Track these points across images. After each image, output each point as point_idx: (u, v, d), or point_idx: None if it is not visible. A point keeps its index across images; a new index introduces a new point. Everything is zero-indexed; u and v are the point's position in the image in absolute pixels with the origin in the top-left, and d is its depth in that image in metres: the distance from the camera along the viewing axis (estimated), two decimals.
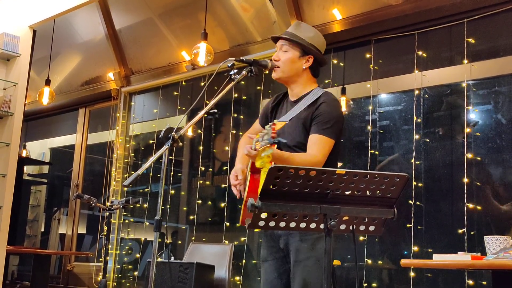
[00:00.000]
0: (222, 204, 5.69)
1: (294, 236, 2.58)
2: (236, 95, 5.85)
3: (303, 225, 1.97)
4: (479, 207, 4.13)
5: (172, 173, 6.34)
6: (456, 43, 4.47)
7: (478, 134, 4.25)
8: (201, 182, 6.04)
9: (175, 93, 6.49)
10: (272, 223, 1.95)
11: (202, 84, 6.14)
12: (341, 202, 1.92)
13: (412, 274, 4.29)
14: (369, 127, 4.81)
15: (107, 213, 4.63)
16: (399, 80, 4.87)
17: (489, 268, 3.07)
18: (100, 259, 6.61)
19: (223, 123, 6.08)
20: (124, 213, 6.73)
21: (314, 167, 1.88)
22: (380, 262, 4.62)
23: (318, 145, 2.57)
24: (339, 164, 3.85)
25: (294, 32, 2.75)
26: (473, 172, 4.20)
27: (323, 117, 2.60)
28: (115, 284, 6.58)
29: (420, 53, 4.64)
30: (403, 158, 4.64)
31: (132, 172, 6.77)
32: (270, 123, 2.12)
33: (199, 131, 6.19)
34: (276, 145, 2.37)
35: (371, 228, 2.03)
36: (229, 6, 5.87)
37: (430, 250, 4.30)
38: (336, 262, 4.38)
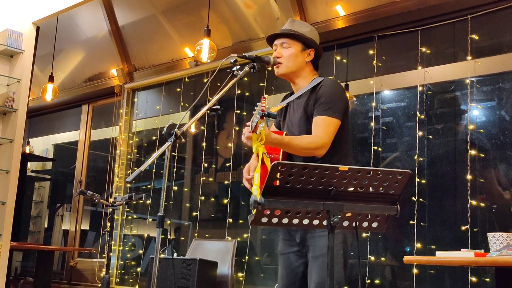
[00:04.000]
0: (225, 201, 5.70)
1: (311, 232, 2.59)
2: (239, 91, 5.85)
3: (306, 221, 1.97)
4: (482, 204, 4.12)
5: (175, 169, 6.34)
6: (460, 40, 4.46)
7: (481, 130, 4.25)
8: (204, 178, 6.04)
9: (178, 89, 6.49)
10: (275, 220, 1.95)
11: (205, 80, 6.13)
12: (344, 198, 1.92)
13: (415, 271, 4.29)
14: (372, 124, 4.80)
15: (110, 209, 4.63)
16: (402, 76, 4.86)
17: (493, 265, 3.07)
18: (103, 255, 6.62)
19: (226, 119, 6.07)
20: (127, 209, 6.73)
21: (318, 164, 1.87)
22: (383, 259, 4.61)
23: (321, 126, 2.58)
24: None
25: (292, 28, 2.76)
26: (476, 168, 4.20)
27: (323, 99, 2.63)
28: (118, 280, 6.59)
29: (423, 49, 4.63)
30: (406, 155, 4.63)
31: (135, 169, 6.76)
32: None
33: (202, 127, 6.19)
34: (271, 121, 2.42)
35: (374, 224, 2.03)
36: (232, 2, 5.86)
37: (433, 247, 4.29)
38: None
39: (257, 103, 2.18)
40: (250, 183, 2.71)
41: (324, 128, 2.57)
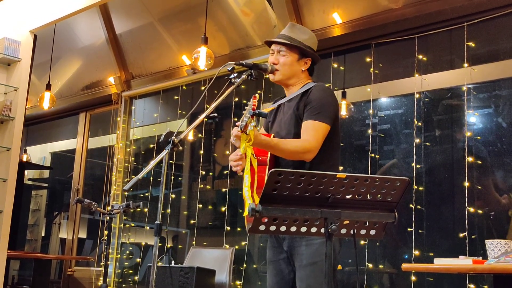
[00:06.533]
0: (223, 208, 5.69)
1: (298, 240, 2.58)
2: (236, 99, 5.85)
3: (304, 229, 1.97)
4: (480, 211, 4.12)
5: (172, 177, 6.33)
6: (456, 47, 4.47)
7: (478, 137, 4.25)
8: (202, 186, 6.03)
9: (176, 97, 6.49)
10: (272, 228, 1.94)
11: (202, 88, 6.14)
12: (342, 206, 1.92)
13: (413, 278, 4.28)
14: (369, 131, 4.81)
15: (108, 218, 4.62)
16: (399, 83, 4.87)
17: (491, 272, 3.06)
18: (101, 264, 6.60)
19: (224, 127, 6.08)
20: (125, 218, 6.72)
21: (315, 171, 1.87)
22: (381, 266, 4.61)
23: (310, 131, 2.58)
24: (340, 168, 3.85)
25: (290, 35, 2.76)
26: (474, 175, 4.20)
27: (313, 104, 2.63)
28: None
29: (420, 56, 4.64)
30: (404, 162, 4.63)
31: (133, 176, 6.76)
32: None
33: (200, 135, 6.18)
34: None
35: (372, 232, 2.03)
36: (230, 10, 5.87)
37: (431, 254, 4.29)
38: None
39: (248, 102, 2.17)
40: (237, 164, 2.65)
41: (313, 132, 2.56)
